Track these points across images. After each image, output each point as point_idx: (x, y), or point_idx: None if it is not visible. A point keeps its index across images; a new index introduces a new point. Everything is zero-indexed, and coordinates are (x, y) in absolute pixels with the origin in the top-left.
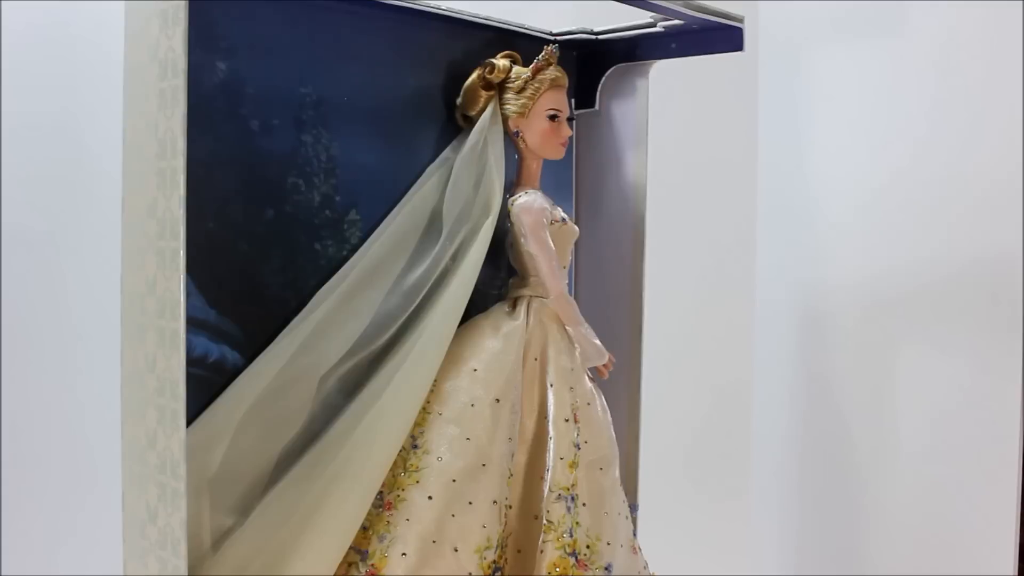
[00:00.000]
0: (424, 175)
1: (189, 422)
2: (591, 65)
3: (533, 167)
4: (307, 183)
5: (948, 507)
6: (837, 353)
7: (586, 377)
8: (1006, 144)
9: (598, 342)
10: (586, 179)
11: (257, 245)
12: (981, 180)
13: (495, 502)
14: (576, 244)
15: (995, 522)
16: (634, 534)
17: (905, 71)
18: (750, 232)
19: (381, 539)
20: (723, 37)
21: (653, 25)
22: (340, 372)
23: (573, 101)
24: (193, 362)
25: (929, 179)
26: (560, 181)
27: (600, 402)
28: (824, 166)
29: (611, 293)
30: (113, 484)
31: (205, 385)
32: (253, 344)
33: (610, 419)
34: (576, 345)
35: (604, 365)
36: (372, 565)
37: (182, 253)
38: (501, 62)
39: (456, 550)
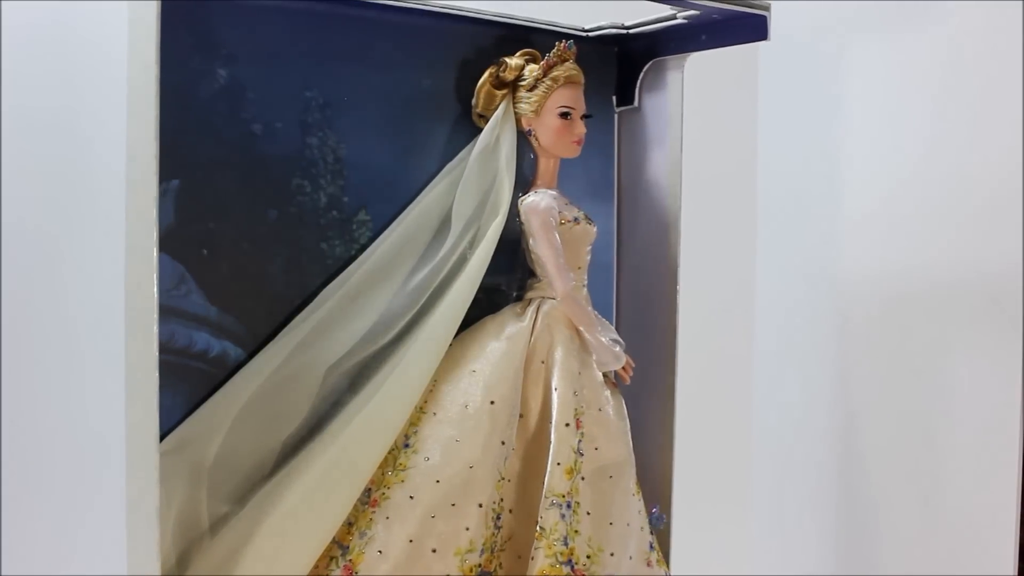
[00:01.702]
0: (439, 176)
1: (189, 413)
2: (629, 61)
3: (548, 166)
4: (313, 184)
5: (948, 507)
6: (836, 352)
7: (600, 381)
8: (1009, 146)
9: (616, 347)
10: (627, 177)
11: (260, 245)
12: (988, 180)
13: (481, 505)
14: (617, 245)
15: (995, 522)
16: (652, 546)
17: (921, 67)
18: (752, 233)
19: (362, 535)
20: (748, 27)
21: (674, 17)
22: (344, 369)
23: (615, 98)
24: (194, 356)
25: (931, 180)
26: (602, 180)
27: (616, 408)
28: (832, 164)
29: (647, 296)
30: (114, 483)
31: (206, 379)
32: (257, 340)
33: (627, 426)
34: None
35: (623, 369)
36: (350, 561)
37: (155, 252)
38: (514, 60)
39: (435, 551)
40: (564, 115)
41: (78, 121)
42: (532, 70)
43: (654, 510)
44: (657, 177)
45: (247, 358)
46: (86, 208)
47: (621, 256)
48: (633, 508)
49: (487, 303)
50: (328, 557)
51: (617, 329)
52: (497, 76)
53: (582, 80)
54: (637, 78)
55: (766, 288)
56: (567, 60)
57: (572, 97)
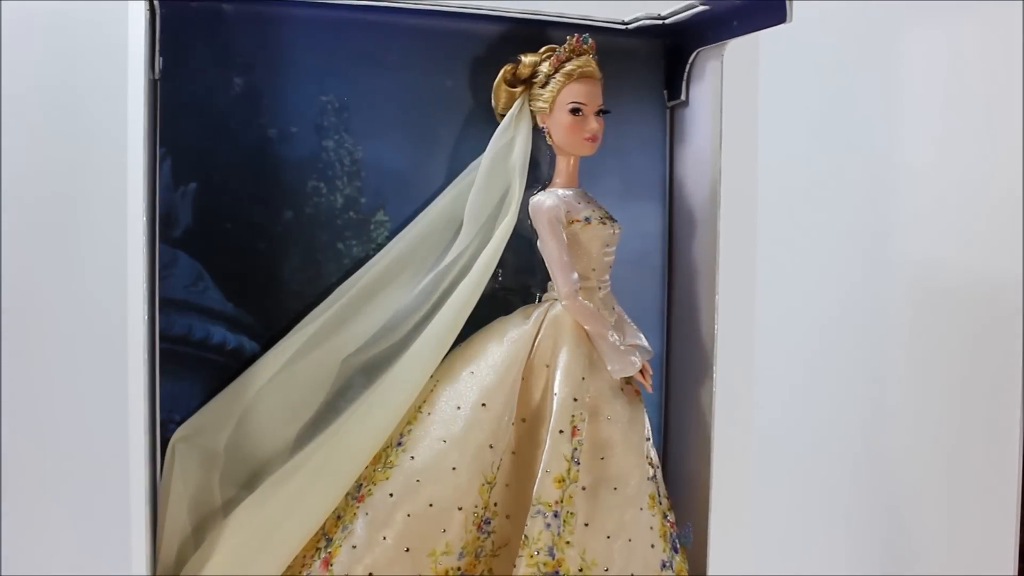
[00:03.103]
0: (460, 176)
1: (204, 402)
2: (675, 53)
3: (566, 164)
4: (329, 186)
5: (948, 507)
6: (835, 350)
7: (614, 388)
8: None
9: (632, 353)
10: (678, 173)
11: (276, 244)
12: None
13: (461, 509)
14: (669, 246)
15: (995, 522)
16: (666, 565)
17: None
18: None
19: (343, 529)
20: (770, 9)
21: (695, 5)
22: (357, 365)
23: (666, 93)
24: (211, 349)
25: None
26: (648, 178)
27: (630, 417)
28: (878, 158)
29: (692, 300)
30: (116, 482)
31: (222, 371)
32: (272, 336)
33: (642, 437)
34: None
35: (643, 376)
36: (329, 552)
37: (145, 251)
38: (529, 57)
39: (408, 550)
40: (575, 111)
41: (78, 118)
42: (545, 66)
43: (685, 528)
44: (698, 173)
45: (262, 352)
46: (85, 203)
47: (673, 257)
48: (642, 523)
49: (519, 305)
50: (315, 547)
51: (668, 336)
52: (513, 74)
53: (598, 75)
54: (683, 71)
55: (763, 285)
56: (583, 54)
57: (584, 92)
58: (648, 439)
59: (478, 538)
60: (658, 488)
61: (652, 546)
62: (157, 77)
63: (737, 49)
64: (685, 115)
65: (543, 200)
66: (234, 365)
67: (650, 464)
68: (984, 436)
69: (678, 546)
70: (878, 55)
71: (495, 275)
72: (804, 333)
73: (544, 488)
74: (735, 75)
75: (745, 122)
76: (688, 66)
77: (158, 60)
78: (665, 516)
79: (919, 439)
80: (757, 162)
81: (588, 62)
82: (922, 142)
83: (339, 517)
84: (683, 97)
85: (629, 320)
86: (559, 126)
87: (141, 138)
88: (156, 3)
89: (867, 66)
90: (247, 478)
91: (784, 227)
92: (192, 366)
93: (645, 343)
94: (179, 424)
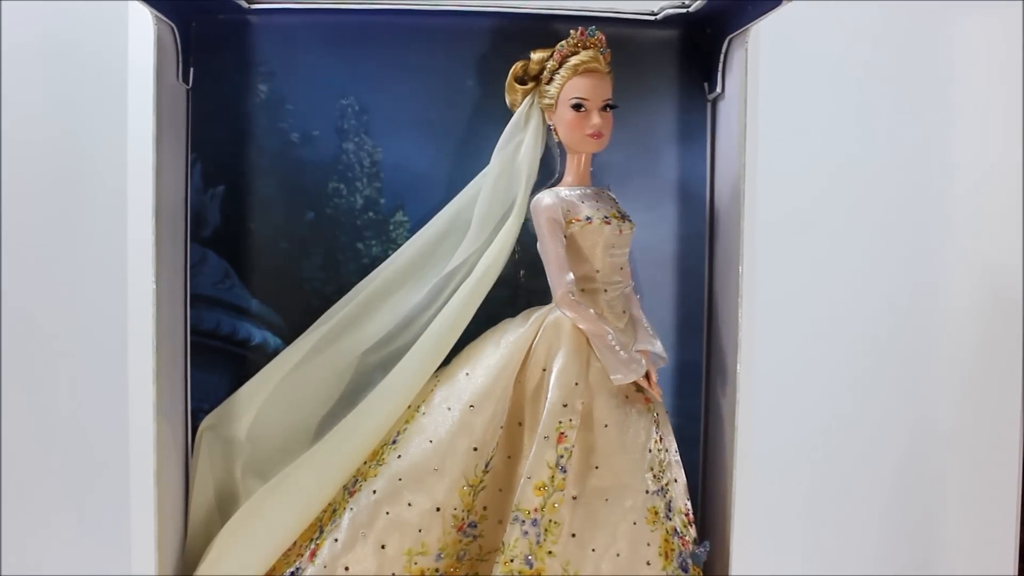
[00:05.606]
0: (478, 176)
1: (230, 393)
2: (707, 43)
3: (576, 163)
4: (349, 187)
5: (948, 507)
6: (832, 349)
7: (617, 395)
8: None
9: (635, 360)
10: (718, 170)
11: (297, 244)
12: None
13: (439, 509)
14: (709, 247)
15: (995, 522)
16: None
17: None
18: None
19: (333, 522)
20: None
21: None
22: (375, 362)
23: (706, 85)
24: (237, 343)
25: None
26: (688, 175)
27: (634, 426)
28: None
29: (723, 305)
30: (115, 482)
31: (246, 364)
32: (294, 332)
33: (645, 447)
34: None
35: (649, 384)
36: (317, 544)
37: (151, 252)
38: (537, 54)
39: (383, 547)
40: (577, 106)
41: (79, 122)
42: (552, 61)
43: (701, 547)
44: (734, 169)
45: (284, 347)
46: (88, 206)
47: (714, 260)
48: (637, 538)
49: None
50: (310, 537)
51: (708, 343)
52: (523, 71)
53: (604, 69)
54: (718, 61)
55: (764, 289)
56: (588, 48)
57: (586, 87)
58: (662, 450)
59: (459, 540)
60: (667, 503)
61: (648, 563)
62: (189, 87)
63: (757, 38)
64: (719, 108)
65: (541, 199)
66: (258, 359)
67: (655, 477)
68: (984, 436)
69: (688, 565)
70: (918, 45)
71: (517, 276)
72: (819, 340)
73: (524, 495)
74: (759, 66)
75: (775, 115)
76: (722, 56)
77: (180, 70)
78: (676, 532)
79: (920, 440)
80: (786, 159)
81: (594, 56)
82: (962, 138)
83: (334, 510)
84: (719, 89)
85: (647, 325)
86: (562, 122)
87: (151, 139)
88: (171, 22)
89: (906, 57)
90: (265, 467)
91: (802, 232)
92: (221, 359)
93: (659, 350)
94: (208, 412)
